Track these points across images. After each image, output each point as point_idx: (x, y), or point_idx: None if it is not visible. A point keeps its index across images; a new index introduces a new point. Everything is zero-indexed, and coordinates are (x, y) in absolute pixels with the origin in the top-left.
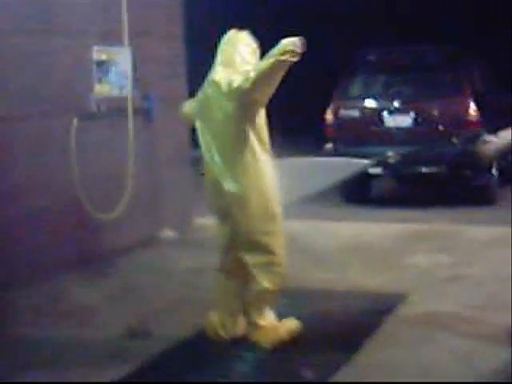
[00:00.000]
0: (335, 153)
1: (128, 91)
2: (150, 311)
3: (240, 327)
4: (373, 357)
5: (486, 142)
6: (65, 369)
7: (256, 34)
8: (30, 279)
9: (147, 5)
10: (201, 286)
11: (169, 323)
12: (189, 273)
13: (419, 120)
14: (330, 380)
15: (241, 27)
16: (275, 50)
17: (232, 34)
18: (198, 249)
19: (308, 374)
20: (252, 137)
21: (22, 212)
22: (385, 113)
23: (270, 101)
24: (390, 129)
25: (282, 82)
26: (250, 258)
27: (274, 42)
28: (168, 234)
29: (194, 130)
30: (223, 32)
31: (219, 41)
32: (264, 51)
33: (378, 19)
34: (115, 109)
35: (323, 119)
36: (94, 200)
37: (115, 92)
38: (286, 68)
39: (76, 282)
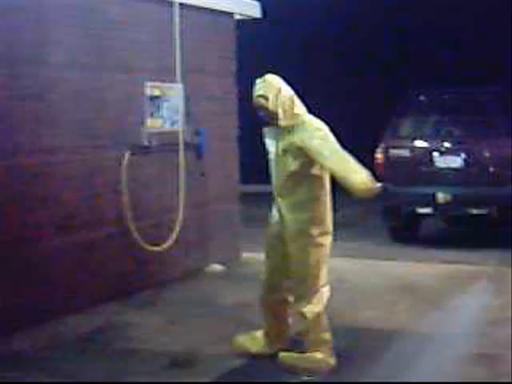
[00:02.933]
0: (384, 192)
1: (179, 126)
2: (194, 343)
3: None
4: None
5: None
6: None
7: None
8: (79, 308)
9: (201, 42)
10: (245, 320)
11: (213, 355)
12: (234, 307)
13: (470, 161)
14: None
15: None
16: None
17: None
18: (244, 283)
19: None
20: None
21: (72, 243)
22: (435, 153)
23: None
24: (440, 169)
25: (334, 121)
26: None
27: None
28: (215, 267)
29: (242, 165)
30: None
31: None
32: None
33: (430, 60)
34: (166, 143)
35: (373, 158)
36: (143, 232)
37: (167, 127)
38: None
39: (123, 313)
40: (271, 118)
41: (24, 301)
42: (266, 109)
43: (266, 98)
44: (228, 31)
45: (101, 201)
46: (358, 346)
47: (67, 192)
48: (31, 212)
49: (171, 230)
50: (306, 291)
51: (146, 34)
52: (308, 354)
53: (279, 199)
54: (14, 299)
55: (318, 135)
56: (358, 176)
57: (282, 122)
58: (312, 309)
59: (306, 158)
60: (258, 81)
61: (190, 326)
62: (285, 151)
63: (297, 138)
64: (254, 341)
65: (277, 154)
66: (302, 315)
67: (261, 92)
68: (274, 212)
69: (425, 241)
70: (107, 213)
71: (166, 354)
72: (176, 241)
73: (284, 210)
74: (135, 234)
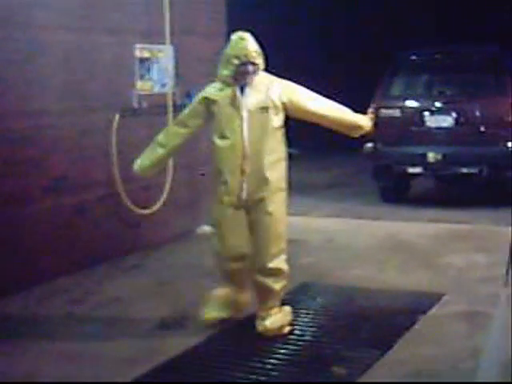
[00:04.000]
0: (375, 152)
1: (169, 88)
2: (184, 304)
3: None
4: (405, 354)
5: None
6: (96, 362)
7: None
8: (68, 271)
9: (190, 3)
10: None
11: (202, 317)
12: None
13: (461, 120)
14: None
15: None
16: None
17: None
18: None
19: (340, 371)
20: None
21: (62, 205)
22: (426, 113)
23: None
24: (431, 129)
25: (326, 79)
26: None
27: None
28: (205, 229)
29: None
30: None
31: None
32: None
33: (421, 19)
34: (156, 105)
35: None
36: (133, 194)
37: (157, 89)
38: None
39: (112, 275)
40: (248, 76)
41: (13, 264)
42: (257, 65)
43: (259, 54)
44: None
45: (90, 163)
46: (348, 305)
47: (57, 154)
48: (20, 175)
49: (161, 191)
50: (283, 247)
51: None
52: (282, 308)
53: (255, 158)
54: (2, 262)
55: (296, 88)
56: (361, 117)
57: (257, 80)
58: (286, 264)
59: (282, 113)
60: (242, 36)
61: (179, 287)
62: (264, 108)
63: (276, 94)
64: (222, 308)
65: (251, 113)
66: (281, 272)
67: (255, 48)
68: (228, 179)
69: (415, 200)
70: (97, 175)
71: (155, 316)
72: (166, 203)
73: (263, 169)
74: (124, 197)
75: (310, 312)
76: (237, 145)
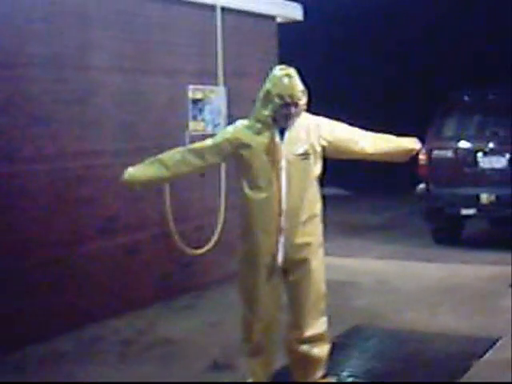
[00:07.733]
0: (427, 193)
1: (222, 128)
2: (235, 346)
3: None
4: None
5: None
6: None
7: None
8: (120, 312)
9: (242, 45)
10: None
11: None
12: None
13: None
14: None
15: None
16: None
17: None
18: None
19: None
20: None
21: (115, 245)
22: (479, 154)
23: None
24: (484, 170)
25: (379, 119)
26: None
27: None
28: None
29: None
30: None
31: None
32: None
33: (473, 59)
34: None
35: (416, 159)
36: (186, 234)
37: (209, 129)
38: None
39: (164, 316)
40: (290, 119)
41: (65, 303)
42: (300, 106)
43: (304, 93)
44: (270, 34)
45: (143, 203)
46: (401, 348)
47: (110, 195)
48: (74, 215)
49: (213, 232)
50: (323, 308)
51: (187, 38)
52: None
53: (294, 213)
54: (55, 301)
55: (337, 128)
56: (407, 139)
57: (297, 121)
58: (326, 325)
59: (321, 160)
60: (288, 72)
61: (230, 328)
62: (304, 155)
63: (316, 138)
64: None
65: (290, 161)
66: (325, 336)
67: (301, 87)
68: (260, 238)
69: (468, 242)
70: (150, 215)
71: (206, 357)
72: (217, 243)
73: (303, 225)
74: (177, 237)
75: (363, 355)
76: (273, 198)
